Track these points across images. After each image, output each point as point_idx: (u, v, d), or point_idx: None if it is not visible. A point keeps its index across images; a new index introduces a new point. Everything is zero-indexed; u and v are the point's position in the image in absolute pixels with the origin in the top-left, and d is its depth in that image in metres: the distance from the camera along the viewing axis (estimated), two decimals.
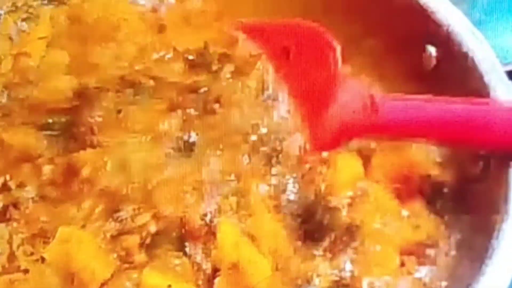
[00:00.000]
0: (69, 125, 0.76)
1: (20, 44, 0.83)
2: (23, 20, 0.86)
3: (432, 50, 0.75)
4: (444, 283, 0.67)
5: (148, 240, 0.68)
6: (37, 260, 0.67)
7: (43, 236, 0.69)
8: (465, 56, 0.72)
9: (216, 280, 0.66)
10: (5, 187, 0.72)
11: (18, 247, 0.68)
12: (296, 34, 0.73)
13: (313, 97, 0.69)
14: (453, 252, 0.69)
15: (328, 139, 0.69)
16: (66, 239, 0.67)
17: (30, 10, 0.87)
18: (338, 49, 0.68)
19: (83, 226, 0.68)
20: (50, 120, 0.76)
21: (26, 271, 0.67)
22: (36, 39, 0.83)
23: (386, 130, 0.68)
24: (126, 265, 0.67)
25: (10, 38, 0.85)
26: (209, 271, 0.67)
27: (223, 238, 0.67)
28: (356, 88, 0.68)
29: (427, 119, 0.66)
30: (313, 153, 0.70)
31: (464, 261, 0.67)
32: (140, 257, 0.67)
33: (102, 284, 0.66)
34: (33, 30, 0.85)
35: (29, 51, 0.82)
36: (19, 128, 0.76)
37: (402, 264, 0.68)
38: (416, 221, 0.70)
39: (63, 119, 0.76)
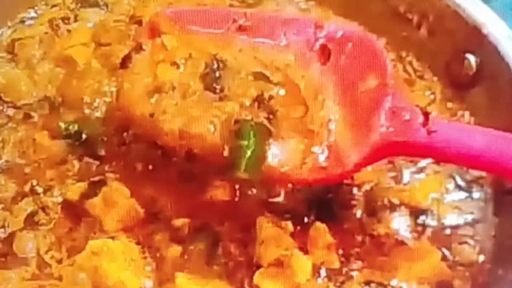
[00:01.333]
0: None
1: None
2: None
3: (471, 58, 0.75)
4: None
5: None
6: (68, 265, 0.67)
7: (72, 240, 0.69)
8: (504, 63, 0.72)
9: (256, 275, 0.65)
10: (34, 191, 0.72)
11: (46, 252, 0.68)
12: (339, 34, 0.69)
13: (361, 101, 0.66)
14: None
15: (375, 154, 0.64)
16: (96, 252, 0.66)
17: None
18: (387, 54, 0.66)
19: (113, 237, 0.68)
20: None
21: (58, 278, 0.66)
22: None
23: (436, 153, 0.64)
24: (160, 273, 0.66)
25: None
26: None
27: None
28: (407, 102, 0.65)
29: (477, 147, 0.63)
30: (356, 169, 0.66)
31: None
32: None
33: None
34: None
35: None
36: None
37: None
38: None
39: None
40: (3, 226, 0.69)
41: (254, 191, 0.71)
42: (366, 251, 0.68)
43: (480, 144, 0.63)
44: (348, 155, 0.64)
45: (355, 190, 0.71)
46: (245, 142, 0.64)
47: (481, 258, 0.67)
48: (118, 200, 0.69)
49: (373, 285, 0.66)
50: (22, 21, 0.87)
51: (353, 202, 0.71)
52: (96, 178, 0.71)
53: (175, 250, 0.67)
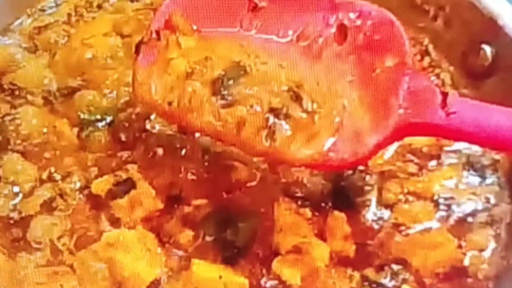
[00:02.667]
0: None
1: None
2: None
3: (487, 49, 0.75)
4: None
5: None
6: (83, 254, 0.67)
7: (88, 229, 0.69)
8: None
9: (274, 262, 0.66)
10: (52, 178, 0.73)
11: (59, 238, 0.69)
12: (356, 11, 0.67)
13: (379, 83, 0.64)
14: None
15: (390, 132, 0.63)
16: (112, 244, 0.67)
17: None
18: (404, 34, 0.65)
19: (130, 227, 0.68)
20: None
21: (72, 266, 0.67)
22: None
23: (454, 133, 0.64)
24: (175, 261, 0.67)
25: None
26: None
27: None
28: (426, 82, 0.64)
29: (496, 126, 0.62)
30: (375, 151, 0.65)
31: None
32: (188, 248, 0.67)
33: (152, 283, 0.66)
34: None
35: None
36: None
37: None
38: None
39: None
40: (20, 211, 0.70)
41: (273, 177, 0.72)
42: (381, 238, 0.68)
43: (498, 123, 0.62)
44: (367, 138, 0.63)
45: (370, 177, 0.72)
46: None
47: (495, 245, 0.68)
48: (143, 201, 0.69)
49: (387, 269, 0.66)
50: (42, 10, 0.87)
51: (368, 189, 0.71)
52: (122, 175, 0.71)
53: (189, 235, 0.68)
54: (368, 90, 0.65)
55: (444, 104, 0.62)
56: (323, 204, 0.70)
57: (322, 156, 0.63)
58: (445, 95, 0.63)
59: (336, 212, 0.68)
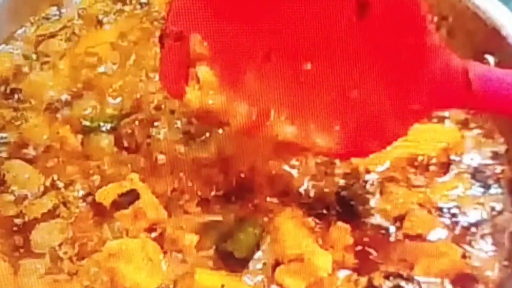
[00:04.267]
0: None
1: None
2: None
3: (490, 59, 0.75)
4: None
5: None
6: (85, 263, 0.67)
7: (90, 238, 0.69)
8: None
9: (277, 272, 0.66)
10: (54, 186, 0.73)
11: (60, 245, 0.68)
12: None
13: (399, 64, 0.63)
14: None
15: (416, 109, 0.63)
16: (114, 254, 0.66)
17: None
18: (428, 15, 0.62)
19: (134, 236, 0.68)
20: None
21: (74, 274, 0.67)
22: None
23: (479, 103, 0.63)
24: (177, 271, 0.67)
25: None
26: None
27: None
28: (448, 58, 0.63)
29: None
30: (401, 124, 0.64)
31: None
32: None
33: None
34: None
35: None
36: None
37: None
38: None
39: None
40: (23, 218, 0.70)
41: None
42: (385, 247, 0.68)
43: None
44: (390, 125, 0.64)
45: (373, 186, 0.72)
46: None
47: (498, 254, 0.68)
48: (147, 211, 0.69)
49: (391, 278, 0.66)
50: (47, 18, 0.88)
51: (370, 198, 0.71)
52: (127, 185, 0.70)
53: (192, 243, 0.67)
54: (390, 71, 0.63)
55: (467, 80, 0.62)
56: (325, 212, 0.70)
57: (341, 145, 0.65)
58: (466, 72, 0.62)
59: (340, 223, 0.68)
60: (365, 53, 0.64)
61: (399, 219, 0.70)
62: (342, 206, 0.70)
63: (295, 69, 0.67)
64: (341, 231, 0.68)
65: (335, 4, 0.64)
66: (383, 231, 0.69)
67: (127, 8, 0.90)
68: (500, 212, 0.70)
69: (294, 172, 0.73)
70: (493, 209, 0.71)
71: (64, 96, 0.80)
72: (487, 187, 0.72)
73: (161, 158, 0.74)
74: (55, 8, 0.89)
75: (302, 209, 0.70)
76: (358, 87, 0.65)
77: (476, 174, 0.73)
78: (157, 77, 0.78)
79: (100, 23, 0.88)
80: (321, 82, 0.66)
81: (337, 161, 0.73)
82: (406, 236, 0.69)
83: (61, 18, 0.88)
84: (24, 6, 0.87)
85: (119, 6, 0.90)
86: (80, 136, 0.76)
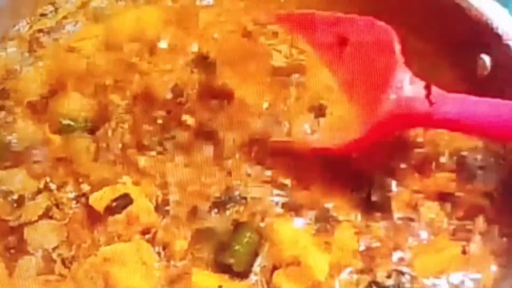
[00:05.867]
0: None
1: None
2: None
3: (486, 58, 0.75)
4: None
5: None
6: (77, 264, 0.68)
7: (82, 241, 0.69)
8: None
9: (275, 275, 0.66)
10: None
11: (55, 250, 0.69)
12: (353, 24, 0.74)
13: (371, 84, 0.70)
14: None
15: (381, 126, 0.68)
16: (108, 258, 0.67)
17: None
18: (395, 36, 0.70)
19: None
20: None
21: (66, 276, 0.67)
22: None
23: (439, 122, 0.68)
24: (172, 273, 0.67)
25: None
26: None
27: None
28: (413, 77, 0.68)
29: (479, 115, 0.67)
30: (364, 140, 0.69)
31: None
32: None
33: None
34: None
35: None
36: None
37: None
38: None
39: None
40: (17, 219, 0.70)
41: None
42: (386, 244, 0.68)
43: (483, 112, 0.67)
44: (355, 130, 0.69)
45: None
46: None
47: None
48: (140, 216, 0.69)
49: (394, 275, 0.66)
50: (44, 14, 0.86)
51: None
52: (120, 189, 0.71)
53: (184, 244, 0.68)
54: (360, 89, 0.71)
55: (428, 95, 0.67)
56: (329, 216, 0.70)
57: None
58: (429, 87, 0.67)
59: (345, 223, 0.69)
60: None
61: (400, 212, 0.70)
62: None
63: None
64: (346, 235, 0.68)
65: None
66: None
67: None
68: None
69: None
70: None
71: (46, 94, 0.79)
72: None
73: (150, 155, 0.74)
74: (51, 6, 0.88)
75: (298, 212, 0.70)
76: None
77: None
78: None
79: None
80: None
81: None
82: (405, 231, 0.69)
83: (53, 16, 0.87)
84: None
85: None
86: (59, 136, 0.76)
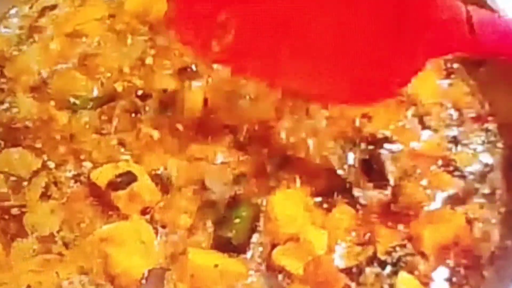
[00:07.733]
0: None
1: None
2: None
3: None
4: None
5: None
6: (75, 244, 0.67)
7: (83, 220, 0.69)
8: None
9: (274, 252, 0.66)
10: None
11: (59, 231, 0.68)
12: None
13: (409, 14, 0.64)
14: None
15: (423, 55, 0.65)
16: (105, 238, 0.67)
17: None
18: None
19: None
20: None
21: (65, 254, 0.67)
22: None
23: (481, 48, 0.65)
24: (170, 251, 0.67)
25: None
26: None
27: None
28: (453, 4, 0.64)
29: None
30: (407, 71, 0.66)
31: None
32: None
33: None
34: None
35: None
36: None
37: None
38: None
39: None
40: (15, 201, 0.70)
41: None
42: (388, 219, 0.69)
43: None
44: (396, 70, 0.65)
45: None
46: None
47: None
48: (142, 195, 0.69)
49: (398, 249, 0.67)
50: None
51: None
52: (124, 167, 0.70)
53: (186, 223, 0.68)
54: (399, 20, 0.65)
55: (470, 27, 0.63)
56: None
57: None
58: (469, 13, 0.63)
59: (344, 206, 0.69)
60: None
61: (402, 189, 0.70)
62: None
63: None
64: (344, 214, 0.68)
65: None
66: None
67: None
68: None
69: None
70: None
71: (51, 74, 0.79)
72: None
73: (154, 135, 0.74)
74: None
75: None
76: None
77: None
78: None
79: None
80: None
81: None
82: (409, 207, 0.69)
83: None
84: None
85: None
86: (67, 114, 0.75)
